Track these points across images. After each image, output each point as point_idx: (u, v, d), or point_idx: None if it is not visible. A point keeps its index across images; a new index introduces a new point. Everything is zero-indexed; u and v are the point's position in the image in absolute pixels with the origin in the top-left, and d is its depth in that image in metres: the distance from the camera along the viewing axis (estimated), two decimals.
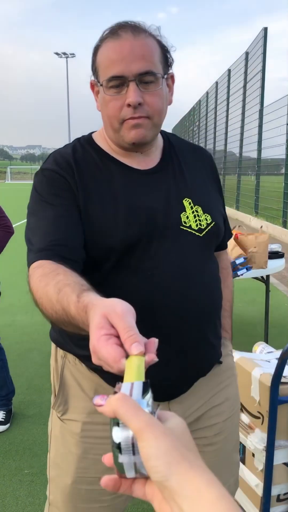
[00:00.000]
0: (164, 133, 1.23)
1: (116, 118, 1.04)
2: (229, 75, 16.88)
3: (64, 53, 55.93)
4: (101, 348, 0.58)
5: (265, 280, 3.88)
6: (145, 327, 0.89)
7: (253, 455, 1.77)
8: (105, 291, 0.74)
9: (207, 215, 1.14)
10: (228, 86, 17.04)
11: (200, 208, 1.13)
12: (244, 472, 1.81)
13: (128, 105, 1.01)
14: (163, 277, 1.05)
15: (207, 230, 1.13)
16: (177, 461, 0.42)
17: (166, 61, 1.08)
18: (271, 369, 1.79)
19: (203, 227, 1.12)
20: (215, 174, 1.29)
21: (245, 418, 1.83)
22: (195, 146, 1.31)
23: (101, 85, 1.05)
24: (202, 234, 1.12)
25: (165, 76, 1.07)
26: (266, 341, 3.85)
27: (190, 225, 1.11)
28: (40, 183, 1.10)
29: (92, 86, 1.11)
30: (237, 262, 3.20)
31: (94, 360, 0.60)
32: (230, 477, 1.30)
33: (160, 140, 1.19)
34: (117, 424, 0.46)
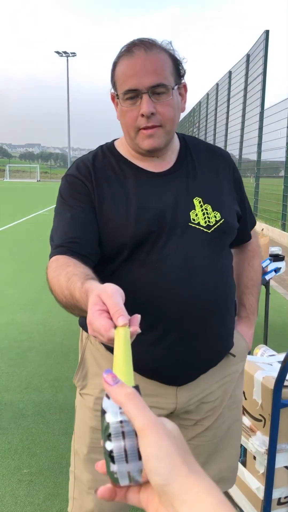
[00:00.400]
0: (181, 136, 1.33)
1: (132, 127, 1.16)
2: (229, 77, 16.90)
3: (65, 52, 55.87)
4: (95, 321, 0.69)
5: (265, 282, 3.88)
6: (151, 313, 1.12)
7: (254, 457, 1.77)
8: (117, 281, 0.82)
9: (216, 212, 1.22)
10: (229, 88, 17.06)
11: (209, 206, 1.22)
12: (245, 474, 1.82)
13: (142, 115, 1.12)
14: (167, 269, 1.15)
15: (215, 226, 1.20)
16: (178, 465, 0.42)
17: (178, 72, 1.19)
18: (273, 372, 1.79)
19: (211, 224, 1.20)
20: (234, 173, 1.35)
21: (246, 420, 1.83)
22: (213, 147, 1.38)
23: (118, 97, 1.17)
24: (210, 230, 1.20)
25: (176, 87, 1.17)
26: (266, 344, 3.85)
27: (199, 222, 1.19)
28: (63, 188, 1.25)
29: (113, 98, 1.22)
30: None
31: (90, 331, 0.71)
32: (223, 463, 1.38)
33: (176, 144, 1.28)
34: (109, 437, 0.45)
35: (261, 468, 1.73)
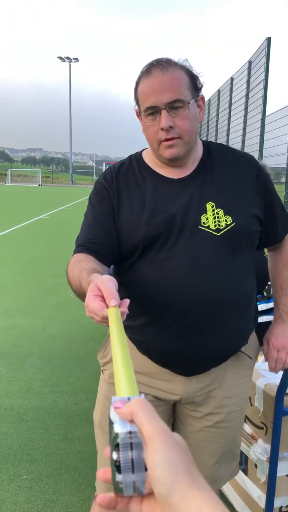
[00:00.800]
0: (206, 144, 1.41)
1: (154, 140, 1.28)
2: (231, 83, 16.94)
3: (68, 58, 56.04)
4: (91, 303, 0.84)
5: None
6: (157, 306, 1.28)
7: (256, 466, 1.76)
8: (131, 276, 1.09)
9: (228, 216, 1.28)
10: (231, 95, 17.08)
11: (221, 210, 1.29)
12: (246, 483, 1.80)
13: (162, 129, 1.24)
14: (174, 266, 1.26)
15: (225, 230, 1.27)
16: (182, 476, 0.42)
17: (195, 86, 1.29)
18: (276, 379, 1.78)
19: (221, 227, 1.27)
20: (258, 179, 1.39)
21: (247, 427, 1.82)
22: (238, 154, 1.43)
23: (141, 114, 1.29)
24: (220, 233, 1.27)
25: (192, 100, 1.27)
26: None
27: (208, 226, 1.27)
28: (92, 194, 1.41)
29: (137, 113, 1.34)
30: None
31: (87, 312, 0.88)
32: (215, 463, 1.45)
33: (198, 152, 1.38)
34: (117, 447, 0.45)
35: (263, 476, 1.72)
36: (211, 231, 1.27)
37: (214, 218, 1.28)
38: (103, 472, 0.48)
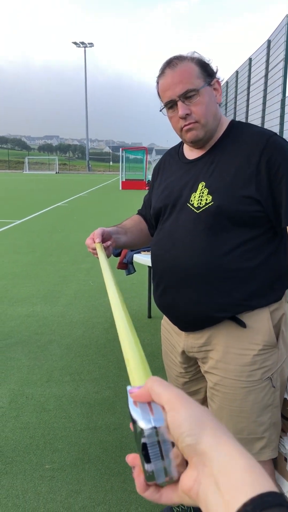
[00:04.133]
0: (231, 125, 1.51)
1: (177, 128, 1.47)
2: (250, 64, 16.56)
3: (82, 43, 55.61)
4: (87, 241, 1.52)
5: None
6: (154, 267, 1.59)
7: (286, 459, 1.69)
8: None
9: (209, 196, 1.41)
10: (249, 76, 16.72)
11: (207, 190, 1.42)
12: (276, 476, 1.73)
13: (180, 118, 1.42)
14: (161, 237, 1.55)
15: (203, 208, 1.41)
16: (209, 426, 0.43)
17: (207, 72, 1.42)
18: None
19: (201, 206, 1.42)
20: (261, 158, 1.37)
21: None
22: (256, 131, 1.44)
23: (164, 108, 1.48)
24: (199, 211, 1.42)
25: (205, 86, 1.40)
26: None
27: (193, 203, 1.44)
28: None
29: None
30: None
31: (88, 250, 1.52)
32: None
33: (219, 133, 1.50)
34: (144, 445, 0.45)
35: None
36: (192, 208, 1.44)
37: (199, 196, 1.43)
38: (132, 457, 0.49)
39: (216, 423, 0.44)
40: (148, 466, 0.46)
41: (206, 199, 1.41)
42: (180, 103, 1.40)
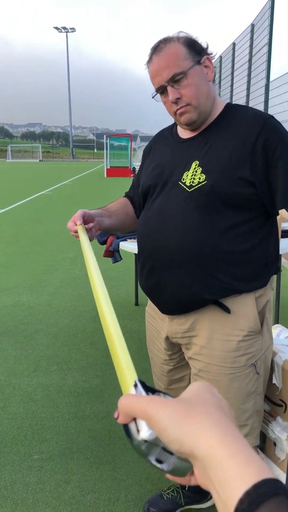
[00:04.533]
0: (227, 107, 1.49)
1: (172, 112, 1.46)
2: (233, 48, 16.44)
3: (64, 28, 54.66)
4: (68, 224, 1.47)
5: None
6: (140, 247, 1.55)
7: (274, 444, 1.69)
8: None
9: (202, 175, 1.38)
10: (233, 60, 16.62)
11: (200, 169, 1.39)
12: (265, 461, 1.74)
13: (171, 102, 1.41)
14: (149, 216, 1.51)
15: (196, 187, 1.38)
16: (186, 424, 0.42)
17: (195, 51, 1.39)
18: None
19: (194, 184, 1.39)
20: (258, 139, 1.35)
21: (265, 405, 1.74)
22: (253, 113, 1.43)
23: (156, 94, 1.46)
24: (191, 190, 1.39)
25: (194, 66, 1.37)
26: (277, 322, 3.76)
27: (185, 182, 1.42)
28: None
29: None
30: None
31: (70, 233, 1.48)
32: None
33: (214, 114, 1.47)
34: (144, 455, 0.47)
35: (282, 454, 1.66)
36: (184, 187, 1.41)
37: (192, 175, 1.40)
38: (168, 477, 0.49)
39: (194, 413, 0.43)
40: (164, 466, 0.46)
41: (199, 178, 1.38)
42: (169, 88, 1.39)
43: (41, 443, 2.45)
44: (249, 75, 14.46)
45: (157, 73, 1.40)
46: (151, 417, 0.44)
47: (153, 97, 1.49)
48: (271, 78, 12.38)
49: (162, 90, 1.42)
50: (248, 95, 14.64)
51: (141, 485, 2.14)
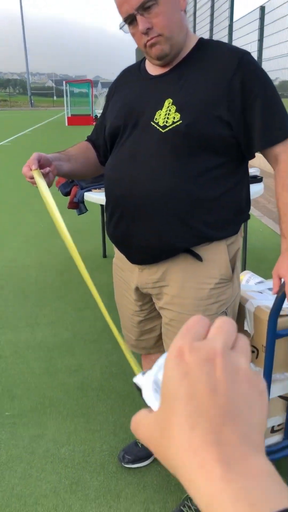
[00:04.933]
0: (200, 42, 1.37)
1: (141, 45, 1.32)
2: None
3: None
4: (23, 169, 1.32)
5: None
6: (108, 193, 1.47)
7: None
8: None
9: (177, 114, 1.28)
10: (195, 0, 15.92)
11: (174, 107, 1.29)
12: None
13: (142, 33, 1.27)
14: (119, 159, 1.41)
15: (170, 127, 1.28)
16: (169, 436, 0.31)
17: None
18: (265, 301, 1.68)
19: (167, 125, 1.29)
20: (235, 76, 1.27)
21: None
22: (229, 49, 1.33)
23: (124, 25, 1.32)
24: (165, 130, 1.29)
25: None
26: (244, 268, 3.78)
27: (158, 122, 1.31)
28: None
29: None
30: None
31: (26, 179, 1.34)
32: None
33: (187, 49, 1.35)
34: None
35: None
36: (158, 128, 1.31)
37: (165, 115, 1.30)
38: None
39: (170, 431, 0.31)
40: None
41: (174, 117, 1.28)
42: (138, 17, 1.25)
43: (12, 400, 2.41)
44: (211, 15, 13.93)
45: (124, 1, 1.25)
46: (136, 432, 0.36)
47: (120, 28, 1.34)
48: (234, 18, 11.96)
49: (130, 20, 1.28)
50: (211, 37, 14.16)
51: (116, 434, 2.15)
